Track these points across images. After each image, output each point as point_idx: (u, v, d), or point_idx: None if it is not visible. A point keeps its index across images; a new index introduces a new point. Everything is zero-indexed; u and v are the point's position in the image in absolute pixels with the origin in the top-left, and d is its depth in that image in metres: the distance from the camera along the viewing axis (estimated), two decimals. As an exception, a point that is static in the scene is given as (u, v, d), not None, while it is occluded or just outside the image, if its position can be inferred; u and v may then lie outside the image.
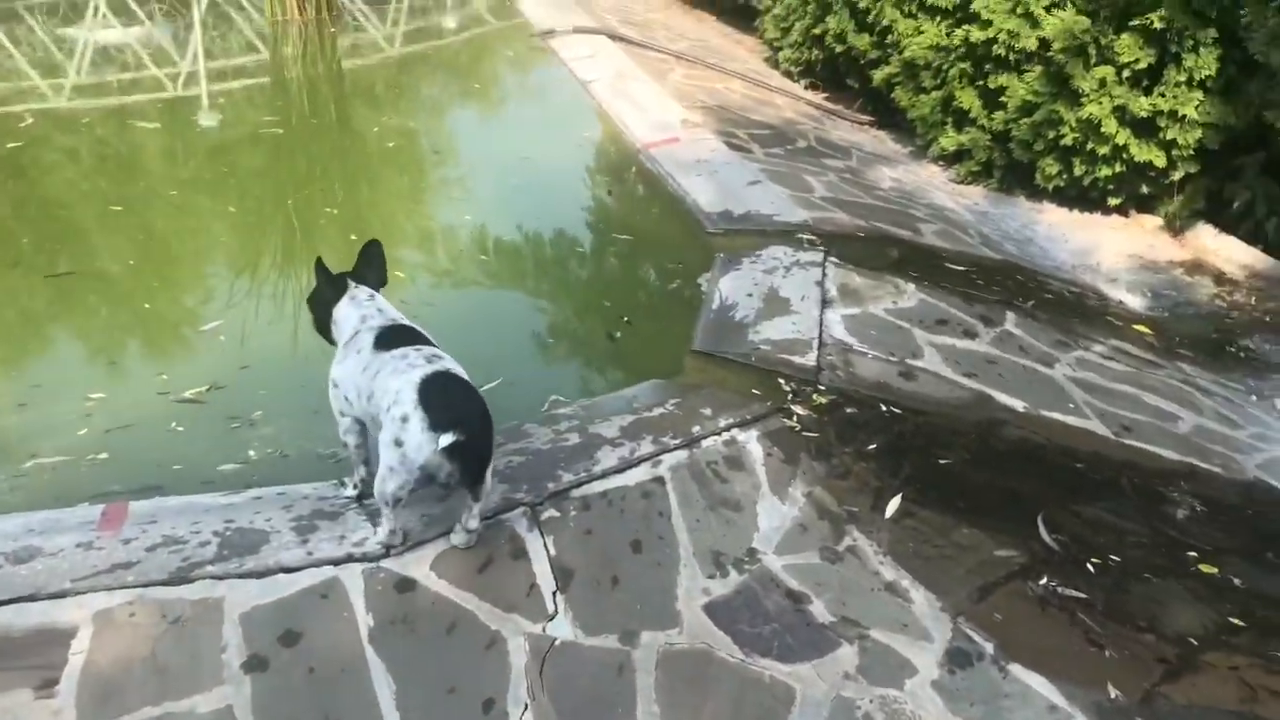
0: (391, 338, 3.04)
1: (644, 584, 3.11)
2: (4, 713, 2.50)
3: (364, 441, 3.20)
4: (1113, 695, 2.93)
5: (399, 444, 2.78)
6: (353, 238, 5.32)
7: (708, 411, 3.82)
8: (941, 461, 3.79)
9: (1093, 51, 6.33)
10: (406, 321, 3.18)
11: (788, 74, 9.83)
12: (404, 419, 2.77)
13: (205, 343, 4.40)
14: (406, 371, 2.85)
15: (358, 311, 3.15)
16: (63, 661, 2.63)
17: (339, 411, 3.16)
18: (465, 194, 6.34)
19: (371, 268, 3.29)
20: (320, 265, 3.23)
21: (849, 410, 3.96)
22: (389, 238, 5.73)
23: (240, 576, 2.89)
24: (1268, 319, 5.80)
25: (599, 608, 3.01)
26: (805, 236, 5.37)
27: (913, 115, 7.83)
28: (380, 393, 2.87)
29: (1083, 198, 6.94)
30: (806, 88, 9.55)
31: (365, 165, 6.81)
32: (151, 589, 2.83)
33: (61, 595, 2.78)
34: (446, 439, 2.72)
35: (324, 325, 3.29)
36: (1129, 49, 6.14)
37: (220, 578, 2.88)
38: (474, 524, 3.01)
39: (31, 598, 2.75)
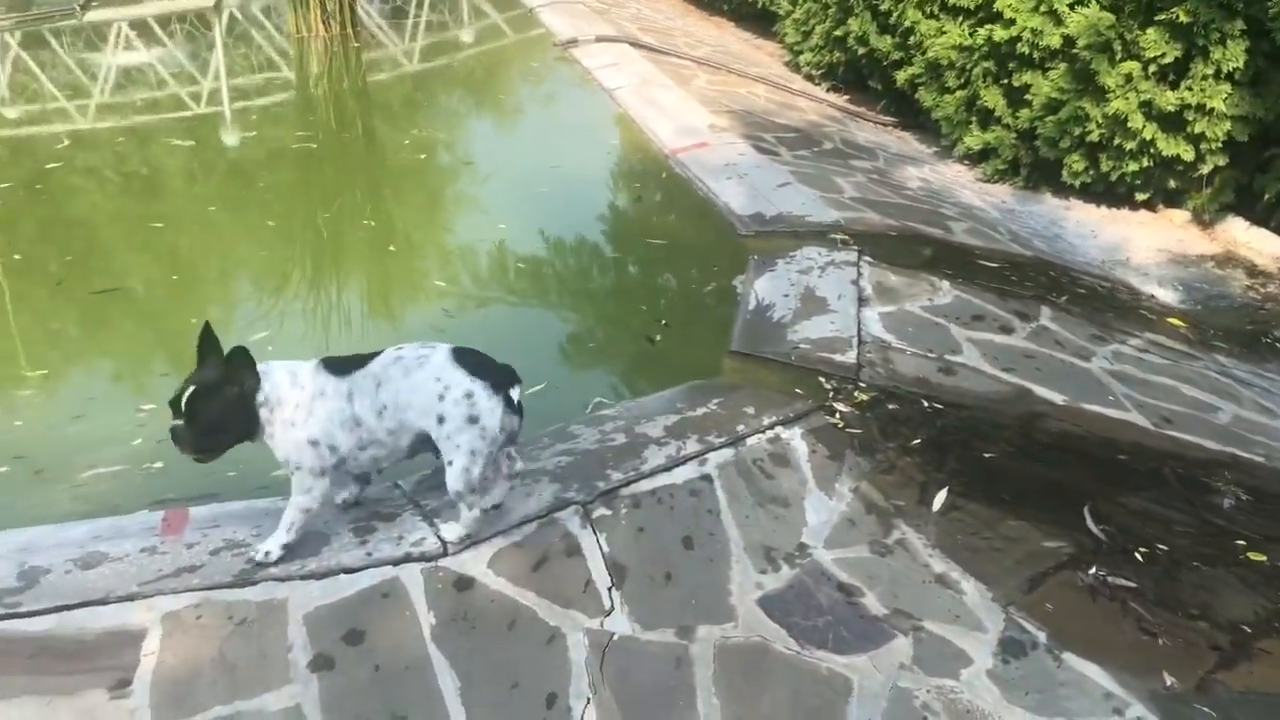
0: (336, 362, 2.99)
1: (697, 579, 3.15)
2: (82, 713, 2.56)
3: (346, 475, 3.13)
4: (1168, 683, 2.95)
5: (474, 420, 2.85)
6: (391, 249, 5.41)
7: (751, 410, 3.86)
8: (985, 455, 3.82)
9: (1118, 47, 6.35)
10: None
11: (809, 77, 9.87)
12: (468, 395, 2.84)
13: (254, 353, 4.45)
14: (430, 359, 2.91)
15: (282, 370, 2.95)
16: (135, 663, 2.68)
17: (320, 470, 2.93)
18: (498, 203, 6.40)
19: (216, 349, 2.89)
20: (247, 357, 2.86)
21: (891, 406, 4.00)
22: (427, 248, 5.85)
23: (302, 578, 2.95)
24: (1302, 310, 5.80)
25: (654, 603, 3.06)
26: (838, 236, 5.41)
27: (937, 115, 7.86)
28: (411, 391, 2.89)
29: (1109, 193, 6.95)
30: (828, 90, 9.59)
31: (399, 177, 6.90)
32: (217, 591, 2.88)
33: (130, 598, 2.83)
34: (516, 391, 2.91)
35: (244, 424, 2.88)
36: (1155, 44, 6.16)
37: (283, 579, 2.94)
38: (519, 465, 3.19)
39: (102, 601, 2.81)
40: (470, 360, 2.92)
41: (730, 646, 2.96)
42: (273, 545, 2.97)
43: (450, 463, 2.91)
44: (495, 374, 2.91)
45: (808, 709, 2.82)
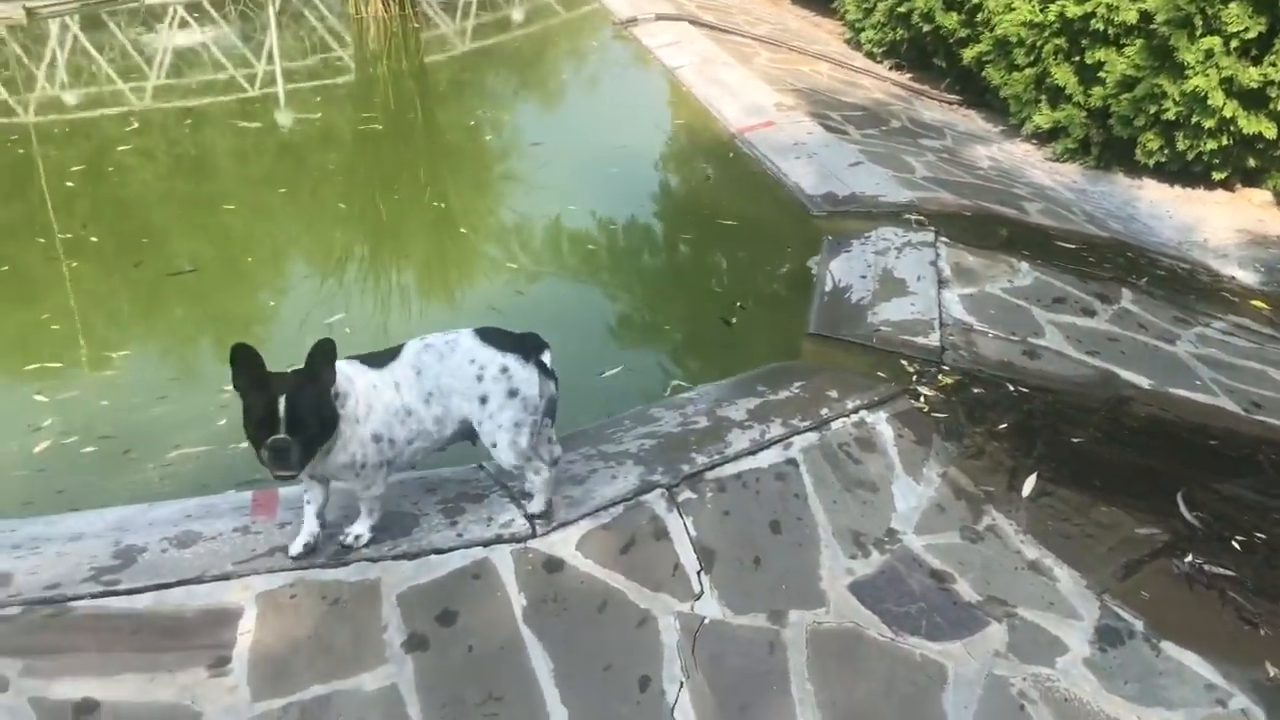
0: (366, 358, 2.93)
1: (786, 564, 3.13)
2: (184, 689, 2.58)
3: None
4: (1271, 673, 2.88)
5: (514, 393, 2.86)
6: (462, 230, 5.40)
7: (833, 393, 3.82)
8: (1073, 440, 3.76)
9: (1199, 22, 6.19)
10: None
11: (870, 55, 9.76)
12: (504, 369, 2.86)
13: (332, 336, 4.47)
14: (458, 342, 2.91)
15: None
16: (232, 641, 2.71)
17: (380, 464, 2.87)
18: (566, 184, 6.38)
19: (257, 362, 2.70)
20: (332, 349, 2.71)
21: (976, 390, 3.94)
22: (497, 229, 5.85)
23: (394, 558, 2.96)
24: (1390, 292, 5.64)
25: (744, 587, 3.04)
26: (913, 217, 5.34)
27: (1005, 93, 7.73)
28: (451, 376, 2.88)
29: (1185, 173, 6.80)
30: (890, 68, 9.47)
31: (466, 159, 6.90)
32: (310, 571, 2.90)
33: (225, 578, 2.86)
34: (547, 356, 2.93)
35: (334, 424, 2.74)
36: (1238, 18, 5.99)
37: (375, 560, 2.95)
38: (559, 451, 3.15)
39: (198, 580, 2.84)
40: (495, 336, 2.93)
41: (823, 632, 2.93)
42: (361, 529, 2.98)
43: (494, 445, 2.92)
44: (523, 344, 2.92)
45: (903, 696, 2.79)
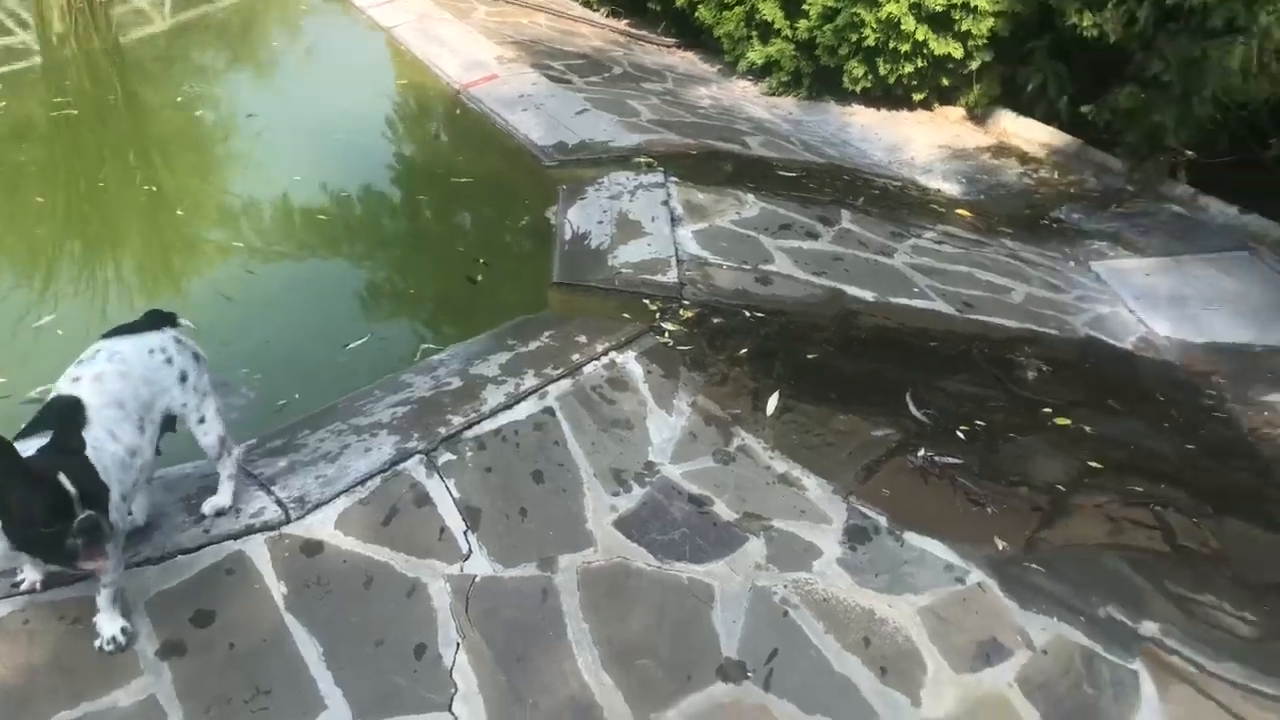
0: (61, 419, 2.43)
1: (552, 511, 3.15)
2: (-93, 745, 2.36)
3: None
4: (1000, 547, 3.16)
5: (198, 357, 2.81)
6: (179, 213, 5.07)
7: (583, 339, 3.86)
8: (809, 356, 3.96)
9: (886, -48, 6.56)
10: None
11: (586, 3, 9.79)
12: (177, 340, 2.78)
13: (42, 339, 4.12)
14: (119, 353, 2.67)
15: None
16: (-40, 681, 2.49)
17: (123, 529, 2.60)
18: (289, 155, 6.07)
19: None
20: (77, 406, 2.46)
21: (715, 320, 4.08)
22: (217, 208, 5.52)
23: (137, 565, 2.78)
24: (1072, 190, 6.21)
25: (512, 540, 3.04)
26: (642, 160, 5.44)
27: (718, 33, 7.94)
28: (146, 383, 2.67)
29: (888, 96, 7.23)
30: (607, 15, 9.54)
31: (176, 137, 6.46)
32: (42, 594, 2.69)
33: (-58, 615, 2.61)
34: (184, 320, 2.87)
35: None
36: (919, -54, 6.39)
37: (115, 570, 2.76)
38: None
39: (-89, 621, 2.59)
40: (136, 326, 2.79)
41: (593, 571, 2.98)
42: (114, 629, 2.59)
43: (203, 419, 2.82)
44: (163, 318, 2.83)
45: (674, 621, 2.88)
